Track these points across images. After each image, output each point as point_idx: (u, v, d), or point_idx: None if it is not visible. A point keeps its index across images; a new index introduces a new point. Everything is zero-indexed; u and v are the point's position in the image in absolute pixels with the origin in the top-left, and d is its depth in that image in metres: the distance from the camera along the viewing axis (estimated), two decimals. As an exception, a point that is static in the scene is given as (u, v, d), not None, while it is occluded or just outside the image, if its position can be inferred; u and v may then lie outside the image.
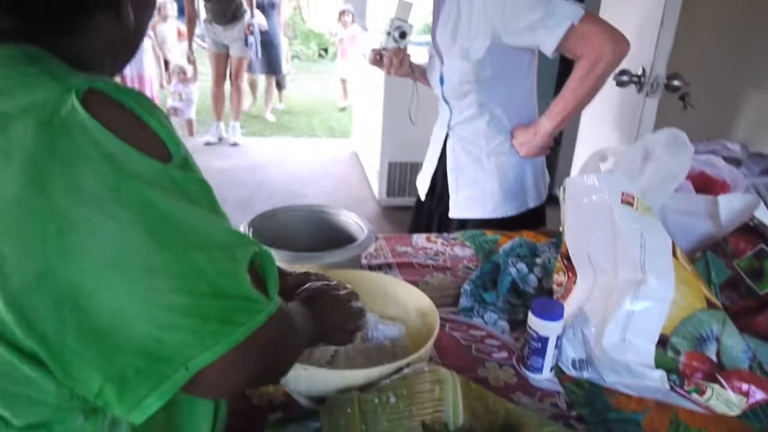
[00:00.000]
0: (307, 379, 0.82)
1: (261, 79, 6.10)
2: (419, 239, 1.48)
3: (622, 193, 0.95)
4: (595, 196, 0.98)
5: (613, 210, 0.95)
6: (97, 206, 0.48)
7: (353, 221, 1.27)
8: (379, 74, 3.38)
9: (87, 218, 0.48)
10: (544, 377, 0.99)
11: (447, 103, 1.59)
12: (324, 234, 1.28)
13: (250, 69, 5.45)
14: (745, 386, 0.89)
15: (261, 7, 5.22)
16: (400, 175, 3.84)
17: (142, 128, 0.51)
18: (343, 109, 6.67)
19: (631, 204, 0.95)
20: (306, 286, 0.89)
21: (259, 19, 5.08)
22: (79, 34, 0.59)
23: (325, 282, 0.91)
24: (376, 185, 3.93)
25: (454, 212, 1.64)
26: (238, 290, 0.54)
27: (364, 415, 0.77)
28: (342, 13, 6.13)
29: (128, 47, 0.66)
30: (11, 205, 0.47)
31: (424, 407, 0.80)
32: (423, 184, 1.77)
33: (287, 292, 0.89)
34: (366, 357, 0.98)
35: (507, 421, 0.82)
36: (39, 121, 0.48)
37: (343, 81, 6.61)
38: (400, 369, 0.84)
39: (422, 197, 1.78)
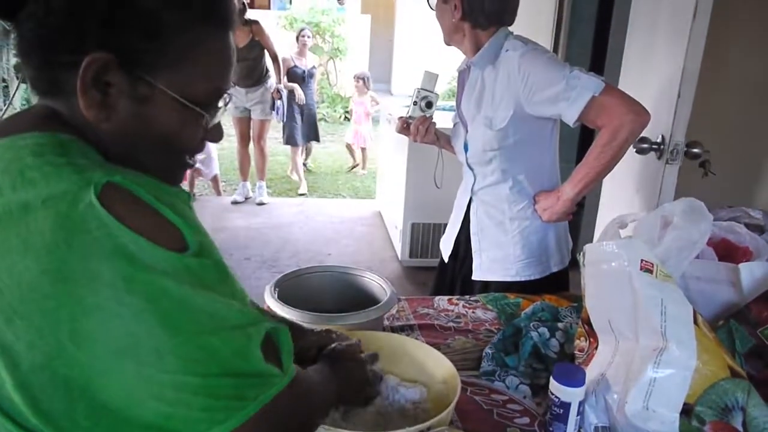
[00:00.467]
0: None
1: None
2: (441, 301, 1.49)
3: (642, 261, 0.97)
4: (614, 263, 0.99)
5: (633, 277, 0.96)
6: (111, 295, 0.50)
7: (376, 283, 1.29)
8: (402, 138, 3.47)
9: (100, 306, 0.50)
10: (567, 446, 0.98)
11: (471, 169, 1.64)
12: (347, 294, 1.31)
13: (291, 142, 5.55)
14: (773, 459, 0.88)
15: (301, 79, 5.37)
16: (423, 236, 3.87)
17: (158, 220, 0.53)
18: (351, 170, 6.66)
19: (650, 271, 0.96)
20: (330, 347, 0.90)
21: (298, 93, 5.23)
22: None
23: (348, 343, 0.93)
24: (399, 245, 3.96)
25: (478, 275, 1.66)
26: (250, 367, 0.56)
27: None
28: (357, 78, 6.21)
29: (154, 147, 0.63)
30: (27, 291, 0.50)
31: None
32: (446, 246, 1.80)
33: (309, 351, 0.91)
34: (387, 420, 0.98)
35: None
36: (58, 213, 0.50)
37: (349, 146, 6.57)
38: (422, 431, 0.84)
39: (445, 259, 1.80)
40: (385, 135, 4.76)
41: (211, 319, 0.54)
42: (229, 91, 0.68)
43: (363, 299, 1.26)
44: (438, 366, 1.04)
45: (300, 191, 5.69)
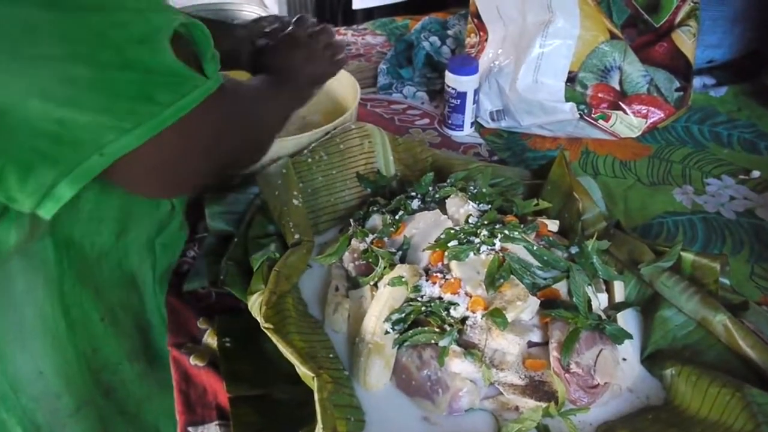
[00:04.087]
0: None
1: None
2: (329, 33, 1.43)
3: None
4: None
5: (519, -48, 0.94)
6: None
7: (257, 15, 1.21)
8: None
9: None
10: (465, 133, 1.04)
11: None
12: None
13: None
14: (644, 109, 0.97)
15: None
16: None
17: None
18: None
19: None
20: (263, 39, 0.75)
21: None
22: None
23: (293, 24, 0.76)
24: None
25: (358, 3, 1.59)
26: (157, 61, 0.46)
27: (299, 174, 0.79)
28: None
29: None
30: None
31: (356, 160, 0.83)
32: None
33: (238, 52, 0.76)
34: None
35: (435, 165, 0.86)
36: None
37: None
38: (328, 132, 0.85)
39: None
40: None
41: None
42: None
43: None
44: (336, 80, 1.01)
45: None
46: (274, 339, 0.58)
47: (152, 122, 0.45)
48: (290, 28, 0.76)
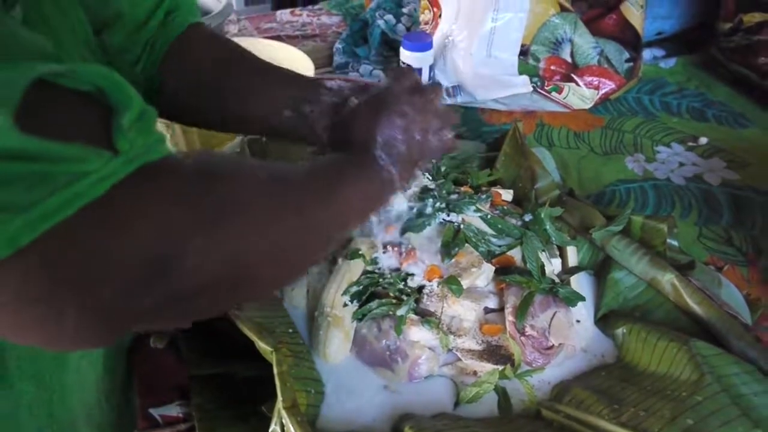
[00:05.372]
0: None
1: None
2: (283, 14, 1.42)
3: None
4: None
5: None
6: None
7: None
8: None
9: None
10: (422, 110, 1.04)
11: None
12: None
13: None
14: (595, 80, 0.99)
15: None
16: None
17: None
18: None
19: None
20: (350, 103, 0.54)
21: None
22: None
23: (390, 79, 0.55)
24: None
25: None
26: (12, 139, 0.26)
27: (254, 154, 0.79)
28: None
29: None
30: None
31: (312, 137, 0.82)
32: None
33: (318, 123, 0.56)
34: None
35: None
36: None
37: None
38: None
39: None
40: None
41: None
42: None
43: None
44: (291, 61, 1.01)
45: None
46: (232, 316, 0.58)
47: (15, 223, 0.27)
48: (385, 83, 0.55)
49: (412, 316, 0.59)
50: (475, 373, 0.59)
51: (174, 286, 0.31)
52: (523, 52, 0.97)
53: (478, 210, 0.66)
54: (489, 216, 0.66)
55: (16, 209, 0.27)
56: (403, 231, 0.65)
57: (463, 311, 0.59)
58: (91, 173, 0.28)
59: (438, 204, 0.66)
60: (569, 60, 0.99)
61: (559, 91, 0.98)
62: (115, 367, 0.62)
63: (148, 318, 0.33)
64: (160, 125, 0.78)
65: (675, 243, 0.71)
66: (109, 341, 0.33)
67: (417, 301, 0.60)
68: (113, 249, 0.29)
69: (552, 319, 0.60)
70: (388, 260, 0.63)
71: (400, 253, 0.63)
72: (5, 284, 0.28)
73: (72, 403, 0.52)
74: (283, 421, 0.50)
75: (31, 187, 0.27)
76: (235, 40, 0.99)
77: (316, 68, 0.96)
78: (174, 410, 0.60)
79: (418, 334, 0.59)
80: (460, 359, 0.59)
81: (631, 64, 1.02)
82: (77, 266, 0.29)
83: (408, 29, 1.23)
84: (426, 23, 1.10)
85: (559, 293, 0.61)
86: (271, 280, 0.40)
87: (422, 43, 0.99)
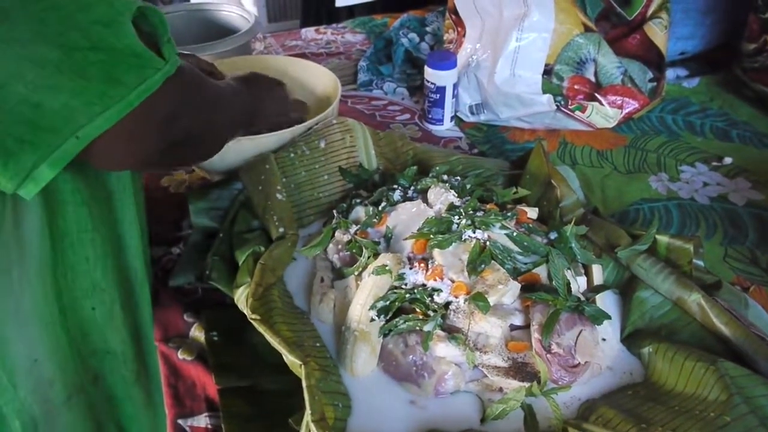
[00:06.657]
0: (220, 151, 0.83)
1: None
2: (308, 32, 1.44)
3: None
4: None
5: (493, -52, 0.96)
6: None
7: (237, 14, 1.21)
8: None
9: None
10: (445, 128, 1.06)
11: None
12: (209, 33, 1.22)
13: None
14: (619, 100, 1.00)
15: None
16: None
17: None
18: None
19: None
20: (238, 73, 0.81)
21: None
22: None
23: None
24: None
25: (341, 1, 1.60)
26: (123, 45, 0.47)
27: (282, 169, 0.80)
28: None
29: None
30: None
31: (338, 154, 0.84)
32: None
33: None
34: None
35: (416, 158, 0.88)
36: None
37: None
38: (310, 128, 0.86)
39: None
40: None
41: None
42: None
43: (228, 32, 1.19)
44: (317, 77, 1.03)
45: None
46: (261, 329, 0.59)
47: (120, 105, 0.46)
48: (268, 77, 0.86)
49: (439, 332, 0.60)
50: (501, 389, 0.59)
51: (173, 131, 0.54)
52: (547, 72, 0.98)
53: (504, 227, 0.66)
54: (515, 233, 0.66)
55: (131, 87, 0.46)
56: (430, 248, 0.65)
57: (490, 328, 0.60)
58: (161, 69, 0.48)
59: (464, 221, 0.66)
60: (593, 79, 0.99)
61: (583, 110, 0.98)
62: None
63: (159, 157, 0.55)
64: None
65: (701, 263, 0.71)
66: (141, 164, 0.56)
67: (443, 317, 0.61)
68: (160, 108, 0.51)
69: (578, 337, 0.60)
70: (414, 276, 0.64)
71: (427, 269, 0.64)
72: (122, 129, 0.47)
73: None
74: (312, 434, 0.50)
75: (138, 73, 0.47)
76: (263, 57, 1.02)
77: (342, 85, 0.98)
78: (203, 421, 0.61)
79: (445, 350, 0.59)
80: (486, 376, 0.59)
81: (655, 83, 1.03)
82: (156, 117, 0.51)
83: (431, 48, 1.25)
84: (450, 42, 1.11)
85: (585, 311, 0.61)
86: (210, 144, 0.67)
87: (447, 61, 1.00)
